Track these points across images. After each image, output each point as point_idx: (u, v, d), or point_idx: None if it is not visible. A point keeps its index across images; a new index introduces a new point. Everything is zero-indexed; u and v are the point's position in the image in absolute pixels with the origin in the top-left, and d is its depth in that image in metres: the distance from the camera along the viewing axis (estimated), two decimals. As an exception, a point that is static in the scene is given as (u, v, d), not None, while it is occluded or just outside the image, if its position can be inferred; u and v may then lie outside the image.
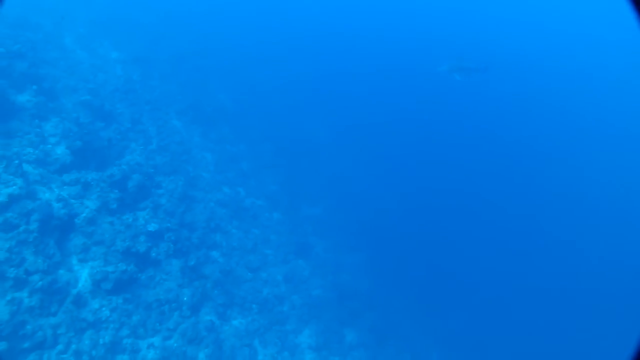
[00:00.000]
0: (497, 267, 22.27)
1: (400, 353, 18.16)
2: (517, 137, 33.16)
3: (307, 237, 20.31)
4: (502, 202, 26.92)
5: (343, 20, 42.53)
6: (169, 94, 23.27)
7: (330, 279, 18.86)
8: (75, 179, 14.08)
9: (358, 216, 22.70)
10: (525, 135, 33.75)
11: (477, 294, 20.90)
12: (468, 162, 28.61)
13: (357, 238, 21.62)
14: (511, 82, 37.84)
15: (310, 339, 16.23)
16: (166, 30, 29.45)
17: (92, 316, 11.75)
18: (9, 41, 16.64)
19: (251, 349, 14.60)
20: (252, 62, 30.88)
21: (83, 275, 12.39)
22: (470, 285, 21.07)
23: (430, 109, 31.45)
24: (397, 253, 21.40)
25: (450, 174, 27.28)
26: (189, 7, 33.60)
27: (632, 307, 20.85)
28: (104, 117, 17.94)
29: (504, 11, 52.25)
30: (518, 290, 21.83)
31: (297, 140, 25.67)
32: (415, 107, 31.83)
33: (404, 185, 25.23)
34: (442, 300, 20.29)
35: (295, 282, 17.82)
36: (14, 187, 12.09)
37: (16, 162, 12.78)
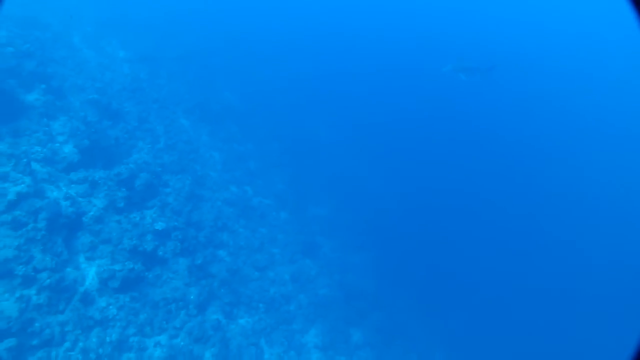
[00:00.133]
0: (502, 268, 22.16)
1: (406, 353, 18.07)
2: (520, 138, 32.99)
3: (314, 236, 20.26)
4: (505, 202, 26.79)
5: (351, 20, 42.46)
6: (176, 93, 23.32)
7: (337, 278, 18.81)
8: (83, 177, 14.13)
9: (365, 216, 22.64)
10: (527, 136, 33.58)
11: (482, 294, 20.79)
12: (473, 162, 28.49)
13: (364, 238, 21.56)
14: (512, 82, 37.62)
15: (317, 339, 16.19)
16: (173, 29, 29.52)
17: (99, 314, 11.78)
18: (18, 40, 16.72)
19: (257, 348, 14.59)
20: (260, 60, 30.89)
21: (90, 273, 12.43)
22: (475, 285, 20.97)
23: (435, 108, 31.33)
24: (403, 253, 21.33)
25: (455, 174, 27.17)
26: (197, 5, 33.66)
27: (632, 307, 20.70)
28: (112, 115, 18.00)
29: (504, 11, 52.00)
30: (522, 291, 21.72)
31: (304, 139, 25.65)
32: (421, 107, 31.71)
33: (410, 185, 25.15)
34: (447, 300, 20.19)
35: (302, 281, 17.78)
36: (23, 185, 12.15)
37: (24, 160, 12.83)
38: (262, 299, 16.04)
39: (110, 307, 12.16)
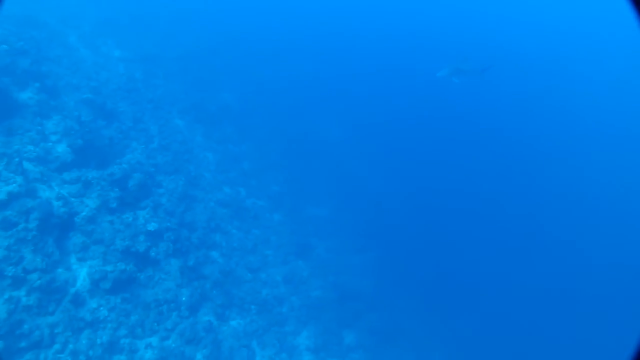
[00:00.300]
0: (499, 268, 22.17)
1: (401, 355, 18.07)
2: (521, 138, 33.02)
3: (308, 238, 20.25)
4: (504, 202, 26.80)
5: (347, 21, 42.44)
6: (172, 93, 23.28)
7: (330, 280, 18.80)
8: (76, 177, 14.07)
9: (359, 217, 22.63)
10: (528, 135, 33.62)
11: (480, 295, 20.81)
12: (471, 163, 28.50)
13: (359, 239, 21.57)
14: (512, 83, 37.68)
15: (309, 341, 16.19)
16: (170, 29, 29.47)
17: (90, 316, 11.74)
18: (13, 38, 16.65)
19: (249, 350, 14.58)
20: (256, 61, 30.84)
21: (82, 274, 12.39)
22: (473, 285, 20.97)
23: (434, 108, 31.30)
24: (398, 254, 21.31)
25: (453, 174, 27.17)
26: (193, 6, 33.59)
27: (632, 307, 20.74)
28: (106, 115, 17.95)
29: (504, 11, 52.09)
30: (521, 291, 21.72)
31: (300, 140, 25.60)
32: (419, 107, 31.70)
33: (406, 186, 25.16)
34: (443, 302, 20.19)
35: (294, 283, 17.77)
36: (14, 184, 12.09)
37: (17, 159, 12.77)
38: (254, 300, 16.02)
39: (102, 308, 12.12)
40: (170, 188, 17.10)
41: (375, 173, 25.53)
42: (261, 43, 32.86)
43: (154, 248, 14.37)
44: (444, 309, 20.11)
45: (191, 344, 13.33)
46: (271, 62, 31.63)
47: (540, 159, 31.96)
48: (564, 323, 21.28)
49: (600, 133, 36.83)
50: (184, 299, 14.03)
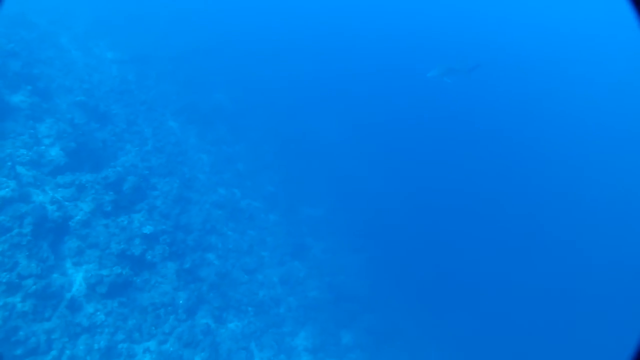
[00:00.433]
0: (496, 268, 22.20)
1: (398, 354, 18.08)
2: (519, 138, 33.07)
3: (304, 238, 20.20)
4: (502, 203, 26.82)
5: (342, 21, 42.36)
6: (165, 95, 23.13)
7: (327, 280, 18.75)
8: (70, 181, 13.94)
9: (356, 217, 22.60)
10: (527, 136, 33.67)
11: (476, 295, 20.83)
12: (469, 163, 28.53)
13: (355, 239, 21.54)
14: (512, 82, 37.82)
15: (307, 341, 16.14)
16: (162, 30, 29.27)
17: (86, 321, 11.62)
18: (3, 40, 16.49)
19: (248, 352, 14.51)
20: (249, 61, 30.72)
21: (77, 279, 12.27)
22: (469, 286, 21.00)
23: (432, 109, 31.34)
24: (395, 253, 21.32)
25: (450, 175, 27.19)
26: (185, 7, 33.38)
27: (632, 307, 20.78)
28: (99, 118, 17.80)
29: (504, 11, 52.18)
30: (517, 290, 21.74)
31: (295, 140, 25.53)
32: (417, 107, 31.72)
33: (403, 186, 25.16)
34: (440, 302, 20.20)
35: (291, 283, 17.71)
36: (7, 189, 11.95)
37: (9, 164, 12.63)
38: (251, 302, 15.95)
39: (98, 313, 12.01)
40: (165, 190, 16.98)
41: (370, 173, 25.50)
42: (254, 43, 32.75)
43: (150, 251, 14.26)
44: (440, 309, 20.11)
45: (189, 347, 13.24)
46: (264, 62, 31.53)
47: (539, 158, 31.98)
48: (563, 323, 21.32)
49: (600, 133, 36.95)
50: (181, 302, 13.94)
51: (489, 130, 32.01)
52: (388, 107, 32.15)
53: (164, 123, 21.15)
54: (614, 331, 18.58)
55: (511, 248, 23.87)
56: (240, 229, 18.43)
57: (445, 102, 31.46)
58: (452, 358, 18.79)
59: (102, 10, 26.87)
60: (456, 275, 21.23)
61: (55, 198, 13.20)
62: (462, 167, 28.12)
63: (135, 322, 12.60)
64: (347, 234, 21.51)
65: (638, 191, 29.82)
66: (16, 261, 10.97)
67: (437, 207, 24.83)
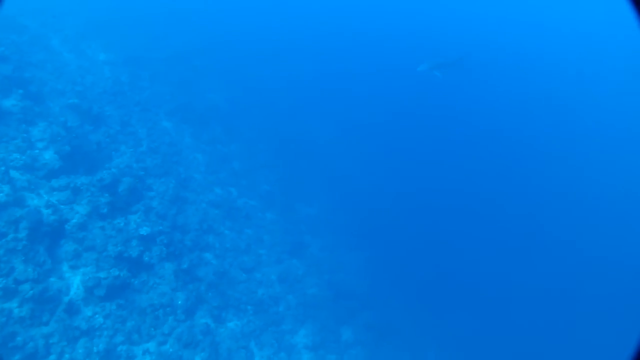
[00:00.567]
0: (494, 265, 22.17)
1: (397, 351, 18.12)
2: (518, 136, 32.97)
3: (302, 236, 20.19)
4: (500, 201, 26.72)
5: (335, 20, 42.15)
6: (158, 95, 23.02)
7: (325, 277, 18.76)
8: (65, 184, 13.88)
9: (354, 214, 22.58)
10: (526, 135, 33.57)
11: (475, 292, 20.80)
12: (466, 161, 28.48)
13: (353, 236, 21.51)
14: (511, 82, 37.79)
15: (307, 339, 16.15)
16: (155, 31, 29.12)
17: (85, 324, 11.59)
18: (-7, 44, 16.36)
19: (248, 351, 14.51)
20: (243, 61, 30.60)
21: (75, 282, 12.22)
22: (467, 283, 20.98)
23: (429, 107, 31.27)
24: (394, 251, 21.30)
25: (447, 172, 27.13)
26: (177, 7, 33.19)
27: (632, 307, 20.70)
28: (93, 120, 17.71)
29: (505, 11, 52.05)
30: (515, 289, 21.69)
31: (290, 139, 25.49)
32: (412, 105, 31.63)
33: (400, 183, 25.11)
34: (439, 298, 20.20)
35: (290, 281, 17.70)
36: (1, 194, 11.89)
37: (2, 168, 12.55)
38: (250, 301, 15.94)
39: (97, 316, 11.97)
40: (161, 191, 16.93)
41: (366, 170, 25.44)
42: (247, 43, 32.63)
43: (147, 252, 14.22)
44: (439, 306, 20.12)
45: (189, 347, 13.22)
46: (258, 61, 31.43)
47: (538, 157, 31.88)
48: (562, 322, 21.28)
49: (600, 133, 36.86)
50: (179, 302, 13.91)
51: (487, 128, 31.90)
52: (383, 105, 32.06)
53: (158, 123, 21.07)
54: (614, 331, 18.49)
55: (509, 245, 23.79)
56: (237, 227, 18.40)
57: (443, 101, 31.40)
58: (450, 354, 18.83)
59: (94, 12, 26.68)
60: (454, 272, 21.22)
61: (50, 202, 13.14)
62: (459, 165, 28.06)
63: (134, 324, 12.57)
64: (344, 232, 21.49)
65: (638, 191, 29.72)
66: (12, 266, 10.92)
67: (435, 204, 24.77)
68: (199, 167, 20.45)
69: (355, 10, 45.82)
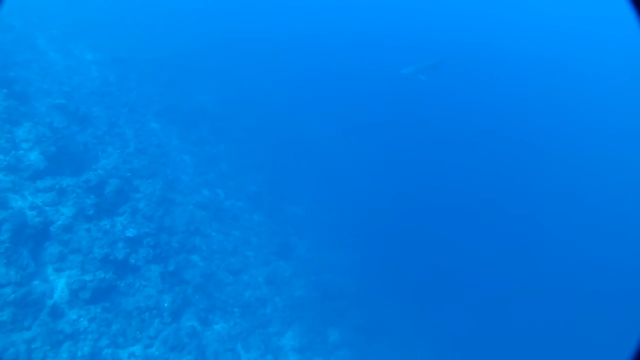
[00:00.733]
0: (486, 265, 22.18)
1: (386, 350, 18.17)
2: (515, 136, 33.05)
3: (289, 237, 20.18)
4: (493, 198, 26.69)
5: (324, 20, 42.10)
6: (146, 96, 22.88)
7: (312, 279, 18.76)
8: (50, 185, 13.75)
9: (341, 214, 22.59)
10: (523, 134, 33.67)
11: (465, 292, 20.85)
12: (457, 158, 28.53)
13: (340, 236, 21.51)
14: (509, 81, 38.00)
15: (294, 341, 16.15)
16: (143, 31, 28.92)
17: (69, 327, 11.50)
18: (-23, 44, 16.18)
19: (234, 353, 14.48)
20: (232, 62, 30.51)
21: (59, 285, 12.12)
22: (458, 282, 21.02)
23: (417, 105, 31.31)
24: (382, 250, 21.33)
25: (436, 170, 27.13)
26: (165, 8, 33.01)
27: (632, 307, 20.77)
28: (80, 120, 17.57)
29: (505, 11, 52.32)
30: (508, 288, 21.63)
31: (277, 140, 25.46)
32: (401, 104, 31.66)
33: (388, 182, 25.16)
34: (428, 298, 20.25)
35: (277, 283, 17.69)
36: (-15, 196, 11.75)
37: (-14, 170, 12.42)
38: (237, 303, 15.91)
39: (81, 319, 11.89)
40: (148, 192, 16.83)
41: (354, 170, 25.46)
42: (235, 44, 32.54)
43: (134, 254, 14.15)
44: (427, 306, 20.15)
45: (175, 350, 13.18)
46: (246, 63, 31.31)
47: (537, 157, 31.99)
48: (557, 322, 21.30)
49: (600, 132, 37.08)
50: (166, 305, 13.85)
51: (485, 128, 31.96)
52: (371, 104, 32.09)
53: (146, 125, 20.95)
54: (614, 331, 18.52)
55: (501, 243, 23.79)
56: (224, 229, 18.35)
57: (435, 100, 31.46)
58: (440, 355, 18.89)
59: (81, 12, 26.44)
60: (444, 271, 21.26)
61: (35, 203, 13.02)
62: (449, 162, 28.13)
63: (119, 327, 12.50)
64: (331, 232, 21.49)
65: (638, 191, 29.86)
66: (-5, 269, 10.81)
67: (425, 202, 24.78)
68: (187, 168, 20.37)
69: (343, 10, 45.81)
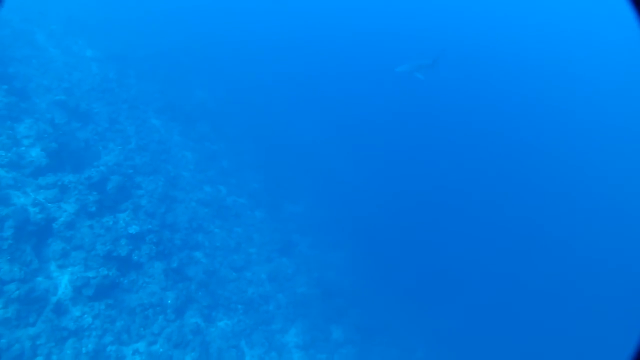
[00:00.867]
0: (484, 264, 22.23)
1: (387, 348, 18.14)
2: (516, 136, 33.02)
3: (291, 234, 20.12)
4: (493, 200, 26.72)
5: (322, 19, 42.04)
6: (147, 92, 22.75)
7: (315, 276, 18.71)
8: (52, 182, 13.63)
9: (342, 212, 22.57)
10: (521, 134, 33.64)
11: (464, 290, 20.86)
12: (455, 159, 28.54)
13: (342, 234, 21.50)
14: (509, 81, 37.97)
15: (297, 338, 16.10)
16: (143, 28, 28.81)
17: (73, 324, 11.40)
18: (-25, 39, 16.02)
19: (238, 350, 14.41)
20: (230, 59, 30.43)
21: (63, 281, 12.01)
22: (457, 280, 21.04)
23: (415, 105, 31.30)
24: (382, 248, 21.32)
25: (434, 170, 27.15)
26: (164, 4, 32.84)
27: (632, 307, 20.74)
28: (80, 117, 17.44)
29: (505, 11, 52.25)
30: (505, 287, 21.68)
31: (279, 137, 25.40)
32: (399, 104, 31.64)
33: (387, 181, 25.13)
34: (428, 296, 20.26)
35: (280, 280, 17.63)
36: (-13, 192, 11.63)
37: (-12, 166, 12.30)
38: (240, 300, 15.83)
39: (85, 316, 11.78)
40: (150, 189, 16.72)
41: (354, 169, 25.45)
42: (235, 41, 32.45)
43: (137, 251, 14.05)
44: (427, 304, 20.16)
45: (179, 347, 13.09)
46: (245, 60, 31.25)
47: (536, 156, 31.95)
48: (556, 322, 21.30)
49: (600, 132, 37.07)
50: (169, 301, 13.76)
51: (484, 127, 31.96)
52: (370, 104, 32.03)
53: (147, 121, 20.82)
54: (614, 331, 18.48)
55: (498, 243, 23.82)
56: (226, 226, 18.26)
57: (433, 100, 31.42)
58: (440, 351, 18.87)
59: (79, 8, 26.26)
60: (444, 269, 21.29)
61: (37, 200, 12.90)
62: (447, 163, 28.15)
63: (123, 324, 12.41)
64: (333, 230, 21.46)
65: (638, 191, 29.83)
66: (-2, 266, 10.69)
67: (423, 202, 24.80)
68: (188, 165, 20.26)
69: (343, 9, 45.70)
